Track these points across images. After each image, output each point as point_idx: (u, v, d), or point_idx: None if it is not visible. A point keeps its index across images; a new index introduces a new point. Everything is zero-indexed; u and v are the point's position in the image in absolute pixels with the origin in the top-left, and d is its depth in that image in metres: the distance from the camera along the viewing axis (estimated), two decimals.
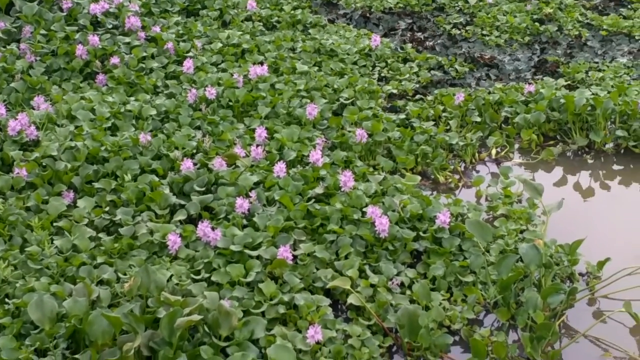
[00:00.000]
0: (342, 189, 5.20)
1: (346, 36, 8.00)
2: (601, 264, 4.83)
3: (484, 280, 4.64)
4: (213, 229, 4.70)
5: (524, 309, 4.31)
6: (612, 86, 7.01)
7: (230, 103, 6.42)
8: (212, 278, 4.40)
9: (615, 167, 6.21)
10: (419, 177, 5.57)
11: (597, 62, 7.79)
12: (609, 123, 6.50)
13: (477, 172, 6.06)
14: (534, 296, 4.30)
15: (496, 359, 4.12)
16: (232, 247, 4.57)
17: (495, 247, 4.90)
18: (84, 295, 4.07)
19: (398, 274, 4.65)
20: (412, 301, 4.43)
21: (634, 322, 4.45)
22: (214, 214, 5.04)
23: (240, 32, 7.78)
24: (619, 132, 6.33)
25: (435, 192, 5.71)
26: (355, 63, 7.44)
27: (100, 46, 6.95)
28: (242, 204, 4.93)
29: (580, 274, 4.86)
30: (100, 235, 4.80)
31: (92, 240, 4.72)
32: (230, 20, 8.22)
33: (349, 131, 6.10)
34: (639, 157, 6.29)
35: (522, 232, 5.14)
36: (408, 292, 4.53)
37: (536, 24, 8.60)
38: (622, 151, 6.36)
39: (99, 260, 4.52)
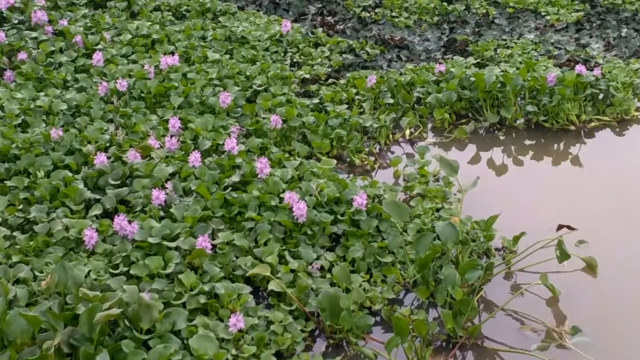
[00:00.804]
0: (259, 176, 5.19)
1: (257, 23, 7.98)
2: (516, 239, 4.92)
3: (402, 260, 4.69)
4: (130, 222, 4.65)
5: (442, 287, 4.36)
6: (521, 62, 7.13)
7: (142, 94, 6.36)
8: (131, 271, 4.35)
9: (527, 142, 6.31)
10: (335, 161, 5.59)
11: (505, 40, 7.91)
12: (519, 99, 6.61)
13: (392, 153, 6.11)
14: (452, 273, 4.36)
15: (417, 337, 4.16)
16: (150, 240, 4.53)
17: (413, 226, 4.94)
18: (0, 295, 4.00)
19: (318, 258, 4.67)
20: (332, 284, 4.46)
21: (550, 294, 4.54)
22: (130, 207, 4.99)
23: (150, 23, 7.70)
24: (529, 108, 6.43)
25: (351, 175, 5.74)
26: (266, 49, 7.43)
27: (6, 42, 6.81)
28: (158, 196, 4.89)
29: (497, 249, 4.95)
30: (15, 233, 4.71)
31: (6, 239, 4.63)
32: (138, 11, 8.13)
33: (264, 118, 6.09)
34: (549, 131, 6.41)
35: (438, 210, 5.20)
36: (328, 275, 4.55)
37: (444, 4, 8.70)
38: (533, 126, 6.47)
39: (15, 259, 4.44)
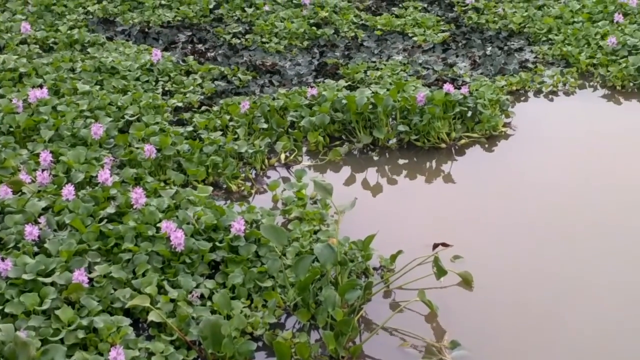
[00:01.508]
0: (135, 207, 5.13)
1: (126, 53, 7.90)
2: (394, 257, 4.99)
3: (282, 284, 4.70)
4: (3, 259, 4.53)
5: (323, 308, 4.39)
6: (391, 83, 7.24)
7: (11, 129, 6.22)
8: (6, 310, 4.24)
9: (400, 161, 6.42)
10: (211, 188, 5.57)
11: (374, 62, 8.03)
12: (390, 119, 6.71)
13: (269, 177, 6.13)
14: (332, 294, 4.39)
15: None
16: (25, 276, 4.43)
17: (292, 249, 4.97)
18: None
19: (197, 286, 4.64)
20: (213, 312, 4.43)
21: (428, 310, 4.62)
22: (3, 243, 4.87)
23: (16, 56, 7.55)
24: (401, 127, 6.55)
25: (228, 202, 5.74)
26: (137, 79, 7.36)
27: None
28: (31, 231, 4.79)
29: (375, 268, 5.01)
30: None
31: None
32: (4, 45, 7.96)
33: (137, 148, 6.04)
34: (421, 150, 6.53)
35: (316, 232, 5.24)
36: (209, 303, 4.53)
37: (313, 28, 8.78)
38: (405, 145, 6.58)
39: None
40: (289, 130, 6.69)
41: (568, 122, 7.01)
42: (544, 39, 8.59)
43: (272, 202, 5.77)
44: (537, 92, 7.51)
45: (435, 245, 5.02)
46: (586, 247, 5.25)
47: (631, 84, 7.51)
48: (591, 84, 7.65)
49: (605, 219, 5.56)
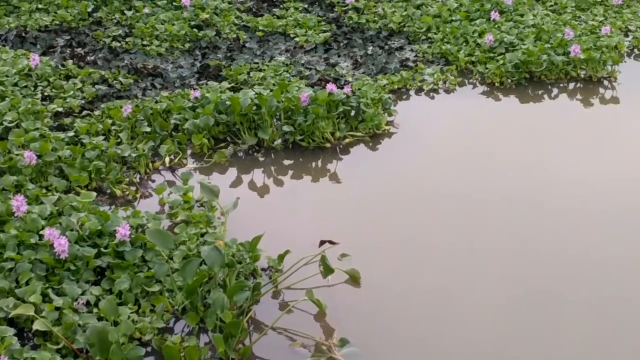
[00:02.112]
0: (16, 215, 5.02)
1: (3, 58, 7.71)
2: (281, 257, 5.00)
3: (170, 288, 4.66)
4: None
5: (211, 311, 4.37)
6: (274, 84, 7.25)
7: None
8: None
9: (286, 161, 6.43)
10: (95, 194, 5.48)
11: (257, 63, 8.02)
12: (275, 120, 6.72)
13: (154, 181, 6.07)
14: (220, 296, 4.38)
15: None
16: None
17: (179, 253, 4.93)
18: None
19: (83, 293, 4.56)
20: (100, 318, 4.37)
21: (317, 309, 4.64)
22: None
23: None
24: (286, 128, 6.56)
25: (113, 207, 5.66)
26: (15, 84, 7.18)
27: None
28: None
29: (263, 269, 5.01)
30: None
31: None
32: None
33: (17, 154, 5.90)
34: (306, 150, 6.55)
35: (203, 235, 5.21)
36: (95, 310, 4.46)
37: (195, 30, 8.73)
38: (290, 146, 6.59)
39: None
40: (173, 133, 6.63)
41: (449, 119, 7.13)
42: (424, 37, 8.72)
43: (159, 206, 5.72)
44: (419, 90, 7.61)
45: (322, 243, 5.06)
46: (471, 240, 5.35)
47: (509, 80, 7.68)
48: (470, 81, 7.80)
49: (486, 212, 5.69)
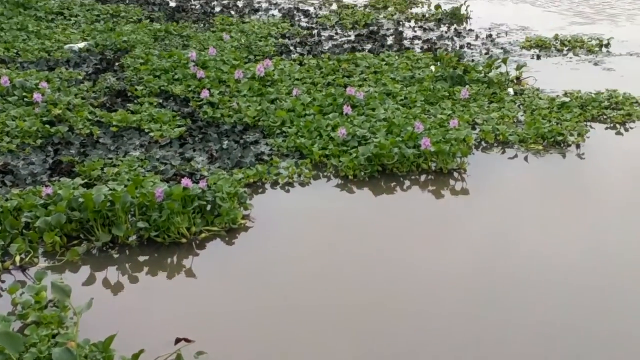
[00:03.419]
0: None
1: None
2: (136, 357, 4.88)
3: None
4: None
5: None
6: (129, 180, 7.19)
7: None
8: None
9: (141, 258, 6.35)
10: None
11: (111, 158, 7.95)
12: (129, 216, 6.64)
13: (3, 282, 5.89)
14: None
15: None
16: None
17: (29, 356, 4.76)
18: None
19: None
20: None
21: None
22: None
23: None
24: (140, 224, 6.49)
25: None
26: None
27: None
28: None
29: None
30: None
31: None
32: None
33: None
34: (162, 246, 6.49)
35: (54, 336, 5.06)
36: None
37: (47, 126, 8.60)
38: (145, 242, 6.52)
39: None
40: (24, 231, 6.47)
41: (304, 212, 7.21)
42: (278, 131, 8.83)
43: (12, 306, 5.54)
44: (274, 184, 7.68)
45: (177, 341, 4.99)
46: (336, 332, 5.37)
47: (362, 173, 7.82)
48: (325, 174, 7.92)
49: (340, 305, 5.73)
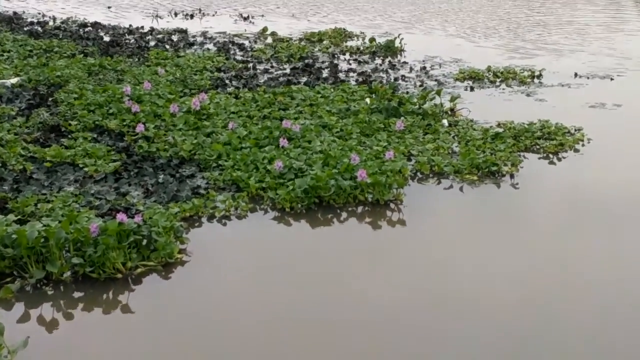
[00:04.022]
0: None
1: None
2: None
3: None
4: None
5: None
6: (63, 215, 7.11)
7: None
8: None
9: (76, 294, 6.26)
10: None
11: (45, 194, 7.85)
12: (64, 252, 6.56)
13: None
14: None
15: None
16: None
17: None
18: None
19: None
20: None
21: None
22: None
23: None
24: (75, 260, 6.41)
25: None
26: None
27: None
28: None
29: None
30: None
31: None
32: None
33: None
34: (97, 282, 6.41)
35: None
36: None
37: None
38: (80, 278, 6.44)
39: None
40: None
41: (241, 245, 7.19)
42: (215, 165, 8.81)
43: None
44: (211, 218, 7.64)
45: None
46: None
47: (299, 205, 7.83)
48: (262, 207, 7.90)
49: (279, 337, 5.71)
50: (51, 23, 16.17)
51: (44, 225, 6.58)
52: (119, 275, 6.48)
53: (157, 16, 16.85)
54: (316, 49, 14.92)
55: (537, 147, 9.75)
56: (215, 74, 13.06)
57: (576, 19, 17.99)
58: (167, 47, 15.16)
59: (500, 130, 10.09)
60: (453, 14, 18.51)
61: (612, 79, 13.34)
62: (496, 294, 6.36)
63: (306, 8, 18.38)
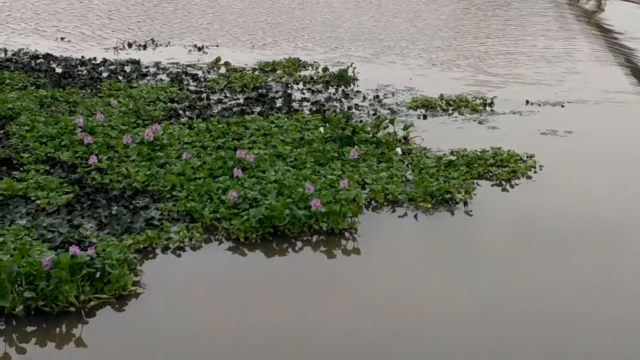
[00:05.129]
0: None
1: None
2: None
3: None
4: None
5: None
6: (15, 249, 7.03)
7: None
8: None
9: (29, 328, 6.21)
10: None
11: None
12: (16, 286, 6.49)
13: None
14: None
15: None
16: None
17: None
18: None
19: None
20: None
21: None
22: None
23: None
24: (27, 294, 6.35)
25: None
26: None
27: None
28: None
29: None
30: None
31: None
32: None
33: None
34: (50, 315, 6.35)
35: None
36: None
37: None
38: (33, 312, 6.38)
39: None
40: None
41: (195, 276, 7.16)
42: (169, 196, 8.76)
43: None
44: (165, 249, 7.60)
45: None
46: None
47: (254, 235, 7.82)
48: (217, 237, 7.88)
49: None
50: (2, 55, 16.02)
51: None
52: (72, 309, 6.42)
53: (116, 48, 16.84)
54: (269, 79, 14.92)
55: (490, 174, 9.82)
56: (169, 104, 13.00)
57: (529, 48, 18.23)
58: (120, 78, 15.08)
59: (454, 158, 10.15)
60: (405, 42, 18.66)
61: (562, 106, 13.48)
62: (449, 321, 6.39)
63: (260, 38, 18.43)
